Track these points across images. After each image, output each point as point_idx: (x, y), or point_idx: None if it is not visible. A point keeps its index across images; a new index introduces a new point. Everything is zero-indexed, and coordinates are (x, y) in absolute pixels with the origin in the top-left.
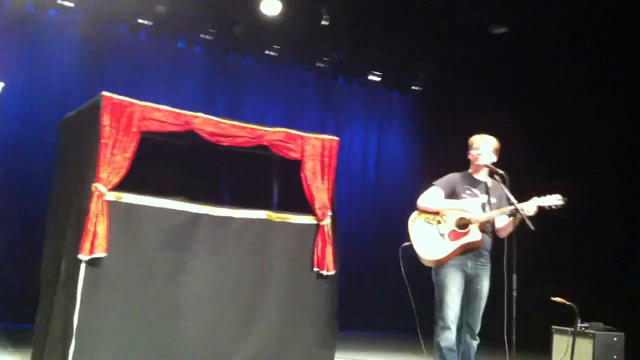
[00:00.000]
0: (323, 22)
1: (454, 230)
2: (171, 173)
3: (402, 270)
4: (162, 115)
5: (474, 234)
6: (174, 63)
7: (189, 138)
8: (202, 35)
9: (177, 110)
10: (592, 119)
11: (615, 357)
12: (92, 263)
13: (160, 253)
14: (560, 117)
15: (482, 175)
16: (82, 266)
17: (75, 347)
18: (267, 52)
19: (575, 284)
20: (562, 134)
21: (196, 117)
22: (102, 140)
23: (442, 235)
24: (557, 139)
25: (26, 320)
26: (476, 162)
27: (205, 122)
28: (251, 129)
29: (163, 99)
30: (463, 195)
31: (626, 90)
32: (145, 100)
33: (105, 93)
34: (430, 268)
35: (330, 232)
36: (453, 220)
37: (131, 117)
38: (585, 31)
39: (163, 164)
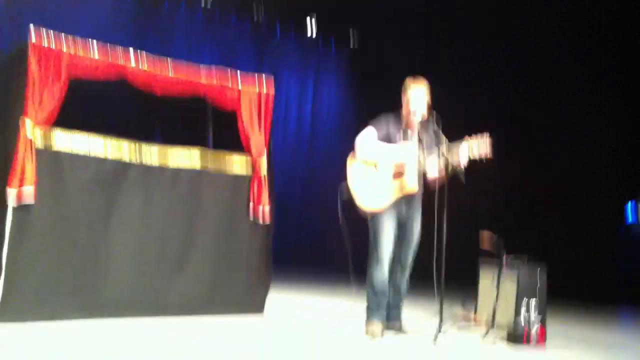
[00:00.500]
0: None
1: (392, 178)
2: (102, 116)
3: (339, 207)
4: (92, 64)
5: (411, 183)
6: (103, 12)
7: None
8: None
9: (110, 59)
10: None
11: (538, 286)
12: (21, 208)
13: (89, 198)
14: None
15: (414, 118)
16: (9, 211)
17: (4, 283)
18: (201, 2)
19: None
20: (491, 82)
21: (128, 66)
22: (30, 81)
23: (380, 183)
24: (485, 86)
25: None
26: (409, 108)
27: (138, 73)
28: (187, 81)
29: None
30: (397, 136)
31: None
32: (77, 48)
33: (33, 39)
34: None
35: (266, 179)
36: (390, 167)
37: (59, 63)
38: None
39: (94, 101)
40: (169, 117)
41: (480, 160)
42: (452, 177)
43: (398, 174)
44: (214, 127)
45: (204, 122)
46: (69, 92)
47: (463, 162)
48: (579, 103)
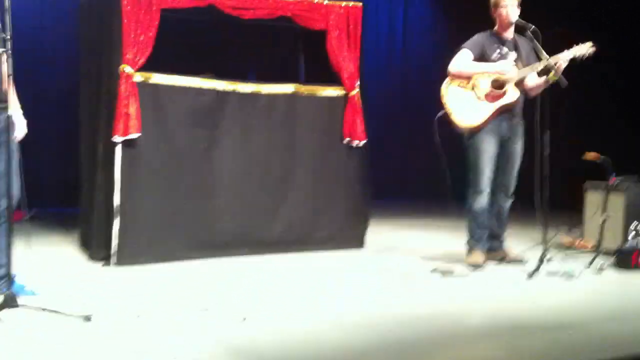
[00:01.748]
0: None
1: (490, 92)
2: (196, 52)
3: (437, 140)
4: None
5: (512, 94)
6: None
7: (211, 13)
8: None
9: None
10: None
11: None
12: (127, 144)
13: (191, 131)
14: None
15: (510, 33)
16: (118, 147)
17: (120, 225)
18: None
19: (608, 138)
20: None
21: None
22: (124, 21)
23: (479, 98)
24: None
25: (69, 204)
26: (506, 20)
27: None
28: (272, 0)
29: None
30: (494, 56)
31: None
32: None
33: None
34: (461, 134)
35: (359, 102)
36: (488, 82)
37: None
38: None
39: (187, 42)
40: (261, 51)
41: (582, 58)
42: (553, 83)
43: (498, 87)
44: (305, 56)
45: (295, 53)
46: (161, 33)
47: (563, 65)
48: None
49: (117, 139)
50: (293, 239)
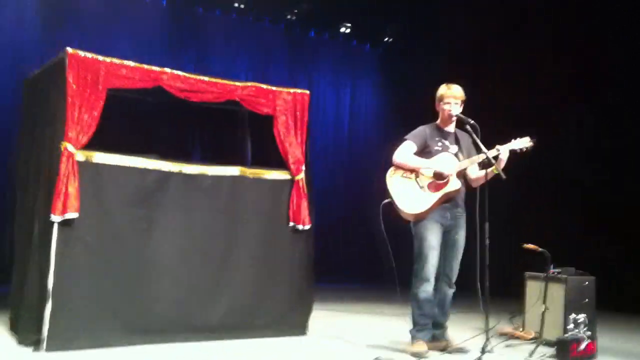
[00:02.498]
0: None
1: (433, 182)
2: (141, 131)
3: (382, 226)
4: (129, 72)
5: (454, 183)
6: (138, 17)
7: (158, 94)
8: None
9: (145, 66)
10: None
11: (586, 300)
12: (65, 223)
13: (132, 211)
14: (525, 71)
15: (451, 127)
16: (55, 227)
17: (52, 308)
18: (235, 4)
19: (548, 230)
20: (527, 86)
21: (164, 72)
22: (68, 99)
23: (421, 187)
24: (521, 90)
25: (1, 283)
26: (447, 115)
27: (173, 78)
28: (221, 84)
29: (128, 54)
30: (435, 148)
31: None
32: (111, 56)
33: (69, 50)
34: (408, 222)
35: (304, 187)
36: (430, 172)
37: (97, 74)
38: None
39: (132, 121)
40: (207, 133)
41: (520, 152)
42: (492, 177)
43: (439, 178)
44: (252, 140)
45: (242, 136)
46: (106, 111)
47: (504, 160)
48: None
49: (54, 218)
50: (233, 325)
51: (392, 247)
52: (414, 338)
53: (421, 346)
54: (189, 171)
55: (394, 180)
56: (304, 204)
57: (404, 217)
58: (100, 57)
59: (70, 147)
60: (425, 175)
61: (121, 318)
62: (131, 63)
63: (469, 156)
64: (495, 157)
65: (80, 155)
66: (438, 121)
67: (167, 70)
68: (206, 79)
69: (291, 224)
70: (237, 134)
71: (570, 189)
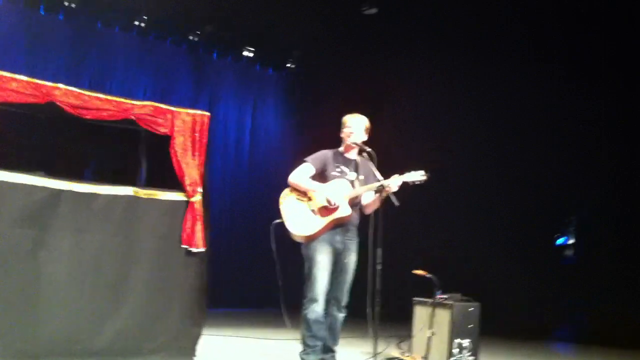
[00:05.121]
0: None
1: (324, 207)
2: (30, 147)
3: (273, 246)
4: (19, 86)
5: (344, 210)
6: (35, 33)
7: (51, 110)
8: (65, 3)
9: (36, 81)
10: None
11: (470, 326)
12: None
13: (18, 231)
14: (426, 101)
15: (352, 154)
16: None
17: None
18: (136, 22)
19: (438, 256)
20: (429, 115)
21: (57, 88)
22: None
23: (312, 211)
24: (425, 118)
25: None
26: (347, 141)
27: (66, 94)
28: (117, 102)
29: (24, 70)
30: (333, 173)
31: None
32: (4, 70)
33: None
34: (300, 243)
35: (200, 209)
36: (323, 197)
37: None
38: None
39: (21, 137)
40: (100, 150)
41: (413, 184)
42: (385, 201)
43: (329, 203)
44: (147, 160)
45: (136, 156)
46: None
47: (395, 188)
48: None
49: None
50: (122, 349)
51: (286, 268)
52: None
53: None
54: (80, 190)
55: (287, 202)
56: (199, 227)
57: (294, 238)
58: None
59: None
60: (318, 199)
61: (4, 341)
62: (23, 77)
63: (366, 184)
64: (382, 187)
65: None
66: (341, 147)
67: (61, 85)
68: (101, 96)
69: (185, 246)
70: (134, 153)
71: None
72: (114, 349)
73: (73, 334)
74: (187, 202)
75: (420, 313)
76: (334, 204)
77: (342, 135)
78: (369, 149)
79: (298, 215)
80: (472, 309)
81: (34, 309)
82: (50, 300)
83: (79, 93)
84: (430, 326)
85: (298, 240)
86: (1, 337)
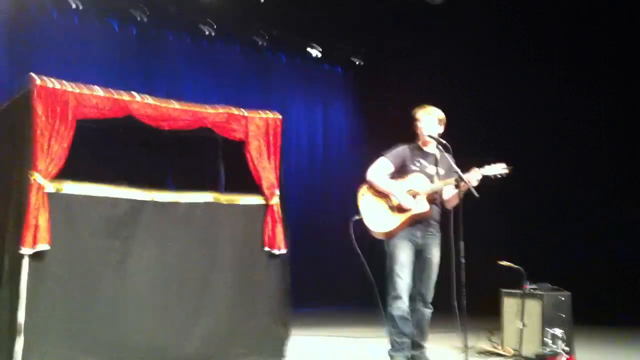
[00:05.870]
0: None
1: (403, 205)
2: (112, 160)
3: (354, 243)
4: (99, 102)
5: (422, 205)
6: (108, 46)
7: (129, 122)
8: (137, 17)
9: (115, 96)
10: (535, 90)
11: (563, 315)
12: (36, 256)
13: (104, 242)
14: (504, 89)
15: (431, 147)
16: (26, 260)
17: (24, 344)
18: (205, 31)
19: (522, 246)
20: (507, 105)
21: (134, 101)
22: (37, 131)
23: (390, 208)
24: (502, 110)
25: None
26: (422, 135)
27: (144, 107)
28: (193, 111)
29: (99, 84)
30: (412, 167)
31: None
32: (81, 84)
33: (37, 81)
34: (382, 240)
35: (279, 211)
36: (402, 195)
37: (66, 105)
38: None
39: (103, 150)
40: (179, 159)
41: (495, 177)
42: (465, 194)
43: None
44: (225, 165)
45: (215, 162)
46: (76, 140)
47: (475, 182)
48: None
49: (24, 250)
50: (210, 354)
51: (371, 264)
52: (392, 358)
53: None
54: (161, 199)
55: (365, 199)
56: (279, 229)
57: (373, 235)
58: (70, 87)
59: (39, 179)
60: (394, 200)
61: (96, 351)
62: (101, 92)
63: (447, 178)
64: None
65: (50, 187)
66: (419, 142)
67: (138, 98)
68: (177, 105)
69: (267, 249)
70: (211, 159)
71: (543, 204)
72: (201, 355)
73: (161, 341)
74: (266, 205)
75: (510, 304)
76: (408, 208)
77: (417, 131)
78: (443, 142)
79: (376, 213)
80: (563, 298)
81: (123, 317)
82: (138, 308)
83: (156, 105)
84: (521, 317)
85: (378, 237)
86: (90, 346)
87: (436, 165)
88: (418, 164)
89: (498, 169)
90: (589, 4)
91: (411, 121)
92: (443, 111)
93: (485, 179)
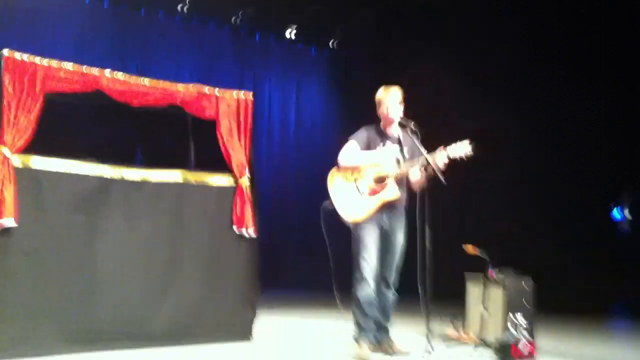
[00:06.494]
0: None
1: (372, 187)
2: (81, 134)
3: (323, 228)
4: (67, 75)
5: (392, 191)
6: (80, 19)
7: (98, 97)
8: None
9: (83, 69)
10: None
11: (525, 301)
12: (2, 231)
13: (72, 218)
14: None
15: (394, 128)
16: None
17: None
18: (178, 6)
19: (487, 230)
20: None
21: (104, 76)
22: (4, 102)
23: (360, 192)
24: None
25: None
26: (387, 118)
27: (112, 81)
28: (162, 87)
29: (70, 58)
30: (377, 149)
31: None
32: (51, 58)
33: (5, 52)
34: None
35: (248, 191)
36: (370, 176)
37: (34, 76)
38: None
39: (72, 125)
40: (149, 135)
41: (460, 159)
42: (432, 177)
43: (379, 180)
44: (195, 143)
45: (185, 139)
46: (44, 115)
47: (441, 164)
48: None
49: None
50: (178, 332)
51: (340, 248)
52: (357, 341)
53: (365, 349)
54: (130, 176)
55: (334, 183)
56: (248, 209)
57: (344, 222)
58: (38, 60)
59: (5, 151)
60: (365, 178)
61: (62, 326)
62: (70, 66)
63: (411, 158)
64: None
65: (17, 160)
66: (381, 123)
67: (107, 73)
68: (147, 82)
69: (235, 228)
70: (181, 137)
71: (511, 187)
72: (170, 331)
73: (128, 317)
74: (236, 186)
75: (473, 290)
76: (385, 177)
77: (379, 113)
78: (412, 123)
79: (346, 197)
80: (526, 284)
81: (91, 293)
82: (106, 285)
83: (125, 80)
84: (484, 302)
85: (347, 222)
86: (59, 321)
87: (400, 146)
88: (382, 145)
89: (462, 148)
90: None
91: (374, 104)
92: (406, 90)
93: (451, 161)
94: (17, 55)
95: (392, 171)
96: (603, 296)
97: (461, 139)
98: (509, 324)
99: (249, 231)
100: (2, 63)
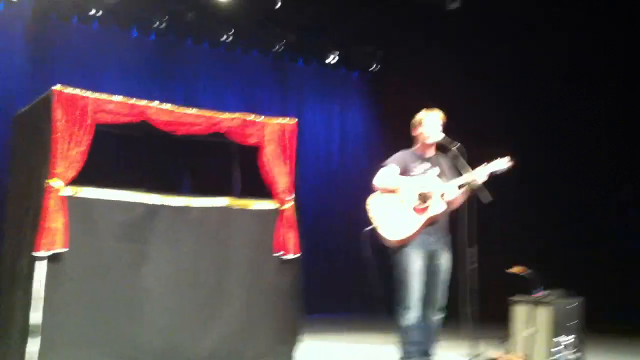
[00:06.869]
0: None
1: (418, 204)
2: (129, 164)
3: (366, 254)
4: (115, 107)
5: (439, 205)
6: (127, 53)
7: (145, 128)
8: (155, 24)
9: (131, 101)
10: (535, 90)
11: (573, 322)
12: (53, 259)
13: (120, 245)
14: (505, 89)
15: (430, 151)
16: (43, 263)
17: (40, 345)
18: (222, 37)
19: (533, 251)
20: (507, 105)
21: (150, 107)
22: (56, 135)
23: (406, 210)
24: (502, 110)
25: None
26: (426, 140)
27: (159, 112)
28: (207, 116)
29: (118, 91)
30: (414, 171)
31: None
32: (100, 92)
33: (56, 87)
34: (388, 249)
35: (291, 216)
36: (415, 194)
37: (84, 110)
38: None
39: (120, 155)
40: (195, 164)
41: (501, 174)
42: (473, 195)
43: (423, 200)
44: (240, 170)
45: (230, 167)
46: (95, 146)
47: (481, 180)
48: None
49: (41, 253)
50: (223, 356)
51: (383, 274)
52: None
53: None
54: (175, 204)
55: (377, 205)
56: (291, 234)
57: (386, 244)
58: (87, 93)
59: (57, 183)
60: (410, 198)
61: (111, 352)
62: (118, 98)
63: (449, 177)
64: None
65: (68, 190)
66: (415, 147)
67: (153, 104)
68: (192, 111)
69: (278, 253)
70: (227, 164)
71: (556, 208)
72: (215, 355)
73: (174, 343)
74: (279, 210)
75: (520, 312)
76: (430, 194)
77: (417, 135)
78: (457, 143)
79: (391, 217)
80: (574, 304)
81: (136, 319)
82: (153, 310)
83: (171, 110)
84: (531, 325)
85: (391, 245)
86: (106, 347)
87: (439, 166)
88: (421, 168)
89: (502, 164)
90: (589, 4)
91: (413, 126)
92: (448, 113)
93: (490, 178)
94: (68, 89)
95: (436, 189)
96: None
97: (496, 156)
98: (557, 345)
99: (293, 256)
100: (53, 97)
